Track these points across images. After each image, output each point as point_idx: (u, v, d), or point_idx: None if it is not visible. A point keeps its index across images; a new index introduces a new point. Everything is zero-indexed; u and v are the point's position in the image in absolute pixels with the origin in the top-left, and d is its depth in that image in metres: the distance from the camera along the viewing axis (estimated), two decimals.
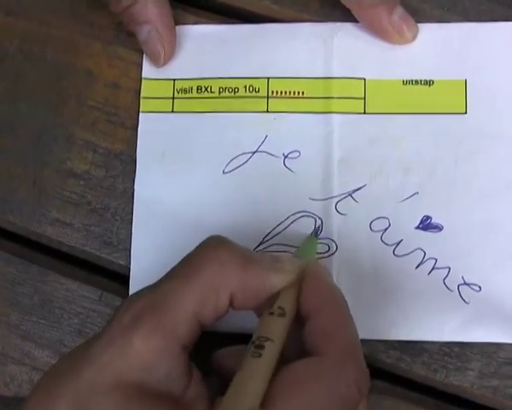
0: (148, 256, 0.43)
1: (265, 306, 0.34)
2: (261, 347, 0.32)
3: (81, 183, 0.45)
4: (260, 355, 0.31)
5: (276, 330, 0.33)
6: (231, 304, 0.33)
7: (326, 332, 0.33)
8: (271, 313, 0.33)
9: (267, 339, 0.32)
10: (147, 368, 0.31)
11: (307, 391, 0.31)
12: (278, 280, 0.34)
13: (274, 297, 0.34)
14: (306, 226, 0.42)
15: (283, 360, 0.32)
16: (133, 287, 0.43)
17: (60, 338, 0.43)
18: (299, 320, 0.34)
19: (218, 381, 0.36)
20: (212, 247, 0.34)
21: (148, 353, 0.31)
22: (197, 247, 0.34)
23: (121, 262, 0.44)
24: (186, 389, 0.32)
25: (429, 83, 0.43)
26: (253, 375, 0.31)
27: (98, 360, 0.31)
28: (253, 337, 0.33)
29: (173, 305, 0.32)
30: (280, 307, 0.34)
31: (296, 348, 0.33)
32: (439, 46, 0.44)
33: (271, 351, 0.32)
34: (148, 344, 0.31)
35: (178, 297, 0.32)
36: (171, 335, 0.31)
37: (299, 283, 0.35)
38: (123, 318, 0.32)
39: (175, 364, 0.31)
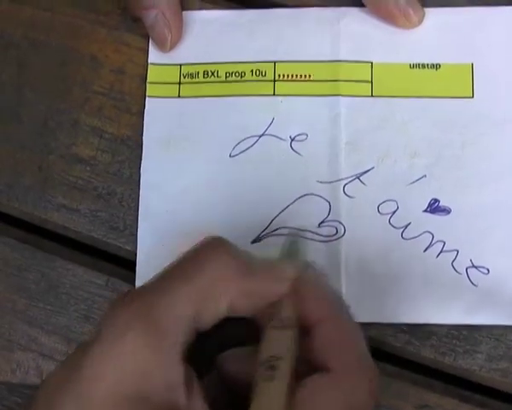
0: (155, 241, 0.43)
1: (265, 317, 0.33)
2: (273, 367, 0.30)
3: (87, 168, 0.44)
4: (273, 378, 0.30)
5: (285, 344, 0.31)
6: (230, 309, 0.32)
7: (333, 345, 0.32)
8: (275, 327, 0.32)
9: (277, 358, 0.30)
10: (144, 378, 0.29)
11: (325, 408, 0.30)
12: (278, 288, 0.33)
13: (273, 308, 0.33)
14: (314, 209, 0.42)
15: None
16: (140, 272, 0.42)
17: (66, 324, 0.43)
18: (302, 330, 0.33)
19: (219, 382, 0.34)
20: (214, 248, 0.32)
21: (143, 362, 0.29)
22: (196, 247, 0.32)
23: (128, 248, 0.43)
24: (188, 401, 0.30)
25: (436, 66, 0.43)
26: (270, 401, 0.29)
27: (92, 374, 0.29)
28: (261, 357, 0.31)
29: (169, 309, 0.30)
30: (282, 320, 0.32)
31: (301, 359, 0.32)
32: (446, 30, 0.44)
33: (284, 370, 0.30)
34: (143, 353, 0.29)
35: (174, 301, 0.30)
36: (167, 341, 0.30)
37: (297, 290, 0.33)
38: (115, 324, 0.30)
39: (174, 372, 0.30)
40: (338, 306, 0.34)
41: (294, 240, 0.39)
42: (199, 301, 0.30)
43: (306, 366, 0.31)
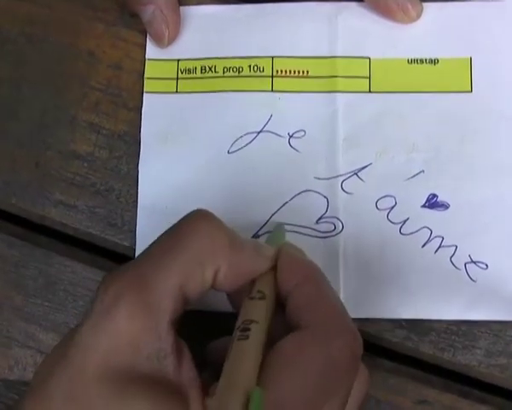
0: (153, 237, 0.42)
1: (244, 292, 0.34)
2: (247, 329, 0.31)
3: (85, 164, 0.44)
4: (247, 337, 0.31)
5: (259, 312, 0.32)
6: (214, 281, 0.32)
7: (307, 305, 0.33)
8: (252, 298, 0.33)
9: (251, 321, 0.32)
10: (135, 348, 0.30)
11: (299, 363, 0.30)
12: (260, 265, 0.34)
13: (252, 284, 0.34)
14: (312, 206, 0.42)
15: (272, 346, 0.32)
16: None
17: (65, 321, 0.43)
18: (281, 304, 0.34)
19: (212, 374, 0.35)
20: (202, 220, 0.33)
21: (134, 331, 0.30)
22: (184, 218, 0.33)
23: (126, 244, 0.43)
24: (178, 370, 0.30)
25: (434, 61, 0.43)
26: (243, 357, 0.30)
27: (84, 346, 0.30)
28: (238, 323, 0.32)
29: (158, 279, 0.31)
30: (259, 291, 0.33)
31: (283, 333, 0.32)
32: (444, 25, 0.44)
33: (258, 331, 0.31)
34: (134, 322, 0.30)
35: (163, 271, 0.31)
36: (156, 310, 0.30)
37: (274, 267, 0.35)
38: (104, 297, 0.30)
39: (163, 341, 0.30)
40: (313, 271, 0.34)
41: (278, 227, 0.41)
42: (186, 269, 0.31)
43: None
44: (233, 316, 0.33)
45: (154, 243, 0.33)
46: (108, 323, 0.30)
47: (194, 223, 0.33)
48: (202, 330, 0.37)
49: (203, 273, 0.32)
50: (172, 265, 0.31)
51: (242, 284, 0.34)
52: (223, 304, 0.37)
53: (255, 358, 0.30)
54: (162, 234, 0.33)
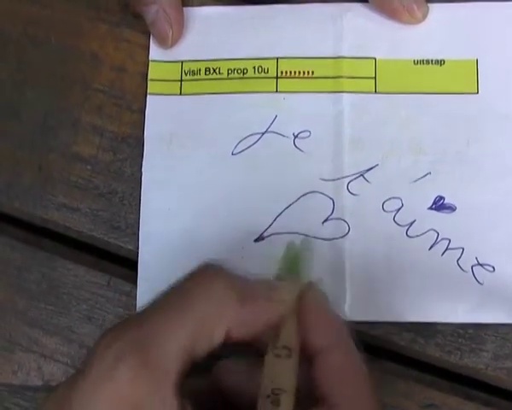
0: (157, 240, 0.42)
1: (266, 338, 0.32)
2: (277, 402, 0.30)
3: (88, 167, 0.44)
4: None
5: (288, 376, 0.31)
6: (227, 338, 0.31)
7: (337, 378, 0.31)
8: (278, 355, 0.32)
9: (281, 391, 0.31)
10: None
11: None
12: (275, 312, 0.32)
13: (275, 331, 0.32)
14: (318, 207, 0.42)
15: None
16: (141, 272, 0.42)
17: (68, 324, 0.43)
18: (304, 355, 0.32)
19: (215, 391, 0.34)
20: (207, 277, 0.31)
21: (136, 395, 0.28)
22: (190, 275, 0.32)
23: (129, 247, 0.43)
24: None
25: (440, 62, 0.43)
26: None
27: (84, 406, 0.28)
28: (266, 386, 0.31)
29: (163, 341, 0.29)
30: (285, 347, 0.32)
31: (303, 382, 0.31)
32: (450, 26, 0.43)
33: (288, 403, 0.31)
34: (136, 386, 0.28)
35: (168, 332, 0.29)
36: (160, 373, 0.29)
37: (300, 312, 0.33)
38: (105, 356, 0.29)
39: (168, 405, 0.29)
40: (343, 334, 0.33)
41: (294, 249, 0.38)
42: (193, 332, 0.30)
43: (307, 391, 0.31)
44: None
45: (158, 299, 0.31)
46: (110, 385, 0.28)
47: (202, 282, 0.31)
48: None
49: (211, 336, 0.30)
50: (178, 327, 0.30)
51: (259, 332, 0.32)
52: None
53: None
54: (168, 290, 0.31)
